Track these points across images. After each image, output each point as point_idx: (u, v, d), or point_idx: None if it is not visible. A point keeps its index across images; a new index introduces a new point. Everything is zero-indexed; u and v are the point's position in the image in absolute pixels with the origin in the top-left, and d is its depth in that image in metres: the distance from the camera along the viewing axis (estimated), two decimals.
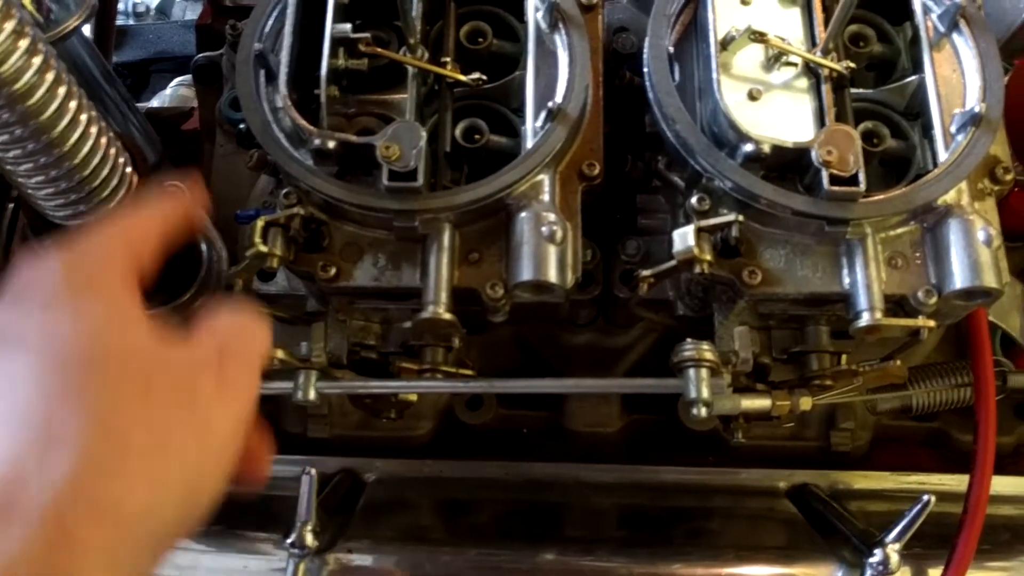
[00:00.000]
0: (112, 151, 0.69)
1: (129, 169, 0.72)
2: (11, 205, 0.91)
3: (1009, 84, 0.76)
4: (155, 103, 1.39)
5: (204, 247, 0.85)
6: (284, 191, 0.72)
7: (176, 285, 0.82)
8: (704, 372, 0.68)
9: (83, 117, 0.64)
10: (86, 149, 0.65)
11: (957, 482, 0.80)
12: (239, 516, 0.81)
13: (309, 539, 0.71)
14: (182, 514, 0.45)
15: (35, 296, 0.46)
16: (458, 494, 0.85)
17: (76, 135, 0.63)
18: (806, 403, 0.72)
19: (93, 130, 0.66)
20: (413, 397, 0.81)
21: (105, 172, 0.68)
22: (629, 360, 0.91)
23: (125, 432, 0.42)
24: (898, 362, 0.71)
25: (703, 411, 0.68)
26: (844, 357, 0.74)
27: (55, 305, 0.46)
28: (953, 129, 0.70)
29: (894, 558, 0.70)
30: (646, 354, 0.91)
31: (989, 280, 0.65)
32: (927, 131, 0.73)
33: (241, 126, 0.82)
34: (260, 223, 0.69)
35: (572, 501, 0.84)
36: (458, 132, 0.75)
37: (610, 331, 0.91)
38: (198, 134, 1.02)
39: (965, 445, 0.85)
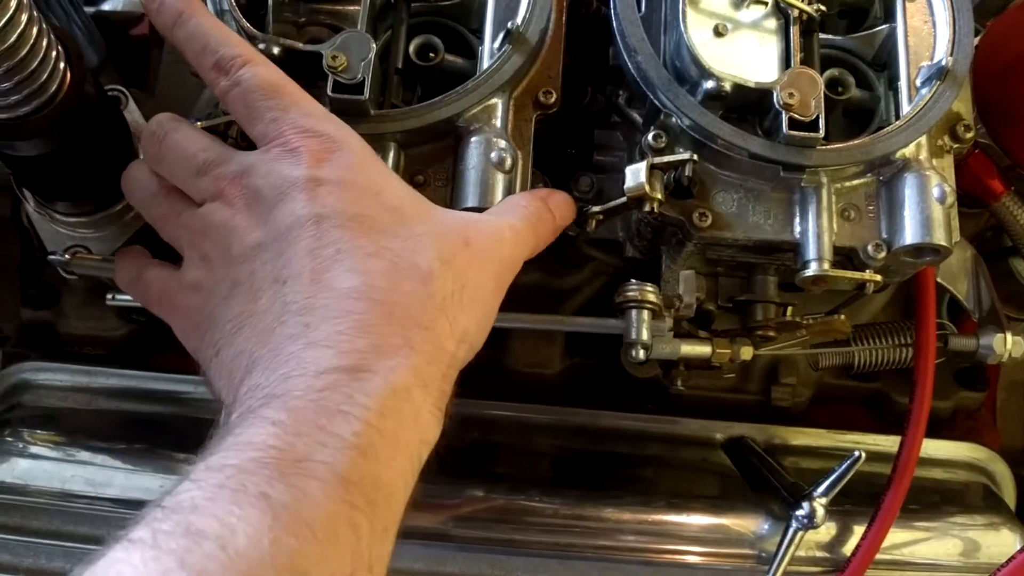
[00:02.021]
0: (43, 44, 0.65)
1: (63, 65, 0.68)
2: None
3: (979, 46, 0.74)
4: (107, 7, 1.34)
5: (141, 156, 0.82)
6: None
7: (108, 194, 0.79)
8: (645, 314, 0.67)
9: (12, 3, 0.60)
10: (13, 38, 0.61)
11: (892, 443, 0.79)
12: (162, 436, 0.79)
13: None
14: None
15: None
16: None
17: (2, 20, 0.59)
18: (747, 352, 0.71)
19: (23, 17, 0.62)
20: None
21: (34, 65, 0.64)
22: (576, 302, 0.90)
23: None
24: (842, 316, 0.70)
25: (641, 353, 0.67)
26: (789, 309, 0.73)
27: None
28: (918, 82, 0.68)
29: (820, 512, 0.70)
30: (594, 297, 0.90)
31: (939, 237, 0.64)
32: (893, 83, 0.71)
33: None
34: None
35: (506, 440, 0.83)
36: (412, 49, 0.72)
37: (559, 271, 0.89)
38: (147, 40, 0.98)
39: (904, 408, 0.85)
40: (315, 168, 0.54)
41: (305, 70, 0.67)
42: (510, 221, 0.60)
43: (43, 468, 0.76)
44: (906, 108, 0.69)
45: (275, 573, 0.39)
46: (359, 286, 0.50)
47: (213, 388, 0.54)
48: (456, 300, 0.53)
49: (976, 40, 0.72)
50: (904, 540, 0.76)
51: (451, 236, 0.55)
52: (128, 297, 0.70)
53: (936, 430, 0.86)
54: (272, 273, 0.51)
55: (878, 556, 0.73)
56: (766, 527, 0.75)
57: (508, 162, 0.65)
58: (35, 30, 0.63)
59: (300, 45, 0.66)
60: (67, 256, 0.75)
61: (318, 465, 0.43)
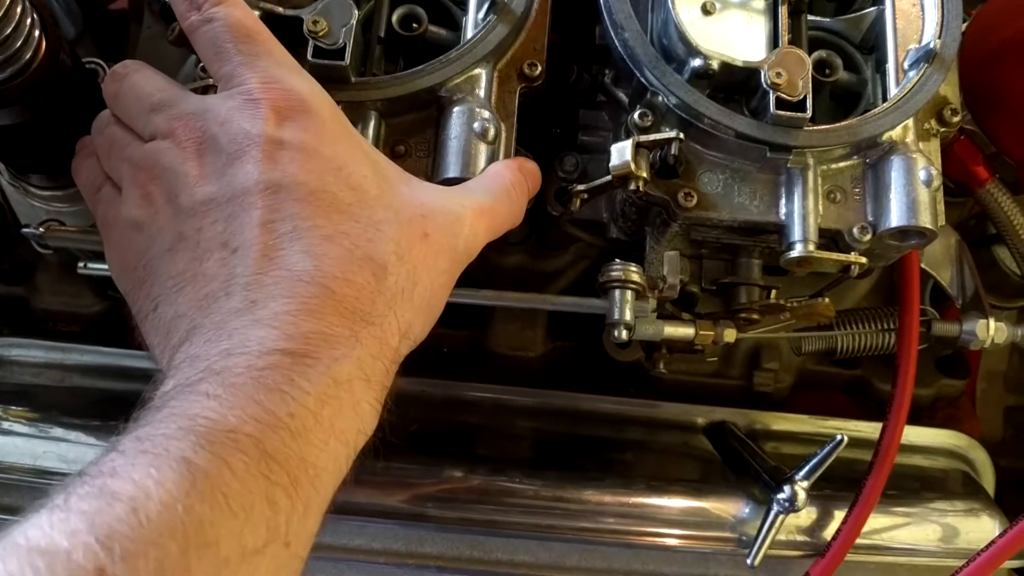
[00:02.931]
0: (17, 10, 0.63)
1: (38, 33, 0.66)
2: None
3: (966, 32, 0.74)
4: None
5: None
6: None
7: None
8: (629, 294, 0.66)
9: None
10: None
11: (873, 430, 0.79)
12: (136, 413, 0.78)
13: None
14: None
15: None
16: None
17: None
18: (730, 335, 0.70)
19: None
20: None
21: (8, 31, 0.63)
22: (560, 284, 0.89)
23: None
24: (826, 300, 0.70)
25: (624, 333, 0.66)
26: (773, 292, 0.72)
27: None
28: (906, 65, 0.68)
29: (801, 495, 0.70)
30: (577, 280, 0.89)
31: (924, 220, 0.64)
32: (880, 66, 0.71)
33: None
34: None
35: (487, 422, 0.82)
36: (395, 18, 0.70)
37: (542, 253, 0.88)
38: (125, 14, 0.96)
39: (885, 394, 0.85)
40: (277, 127, 0.51)
41: (285, 35, 0.65)
42: (478, 203, 0.59)
43: (15, 444, 0.75)
44: (893, 91, 0.68)
45: (184, 539, 0.38)
46: (311, 270, 0.49)
47: (147, 342, 0.53)
48: (406, 297, 0.52)
49: (963, 27, 0.72)
50: (884, 525, 0.76)
51: (410, 228, 0.54)
52: (101, 266, 0.69)
53: (917, 417, 0.86)
54: (222, 237, 0.50)
55: (858, 541, 0.73)
56: (747, 511, 0.74)
57: (491, 132, 0.64)
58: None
59: (280, 9, 0.65)
60: (41, 229, 0.73)
61: (245, 439, 0.42)
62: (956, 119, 0.69)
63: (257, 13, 0.64)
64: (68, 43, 0.70)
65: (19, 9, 0.62)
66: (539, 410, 0.83)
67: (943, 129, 0.69)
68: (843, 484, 0.77)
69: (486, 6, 0.66)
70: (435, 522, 0.72)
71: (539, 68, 0.69)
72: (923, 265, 0.79)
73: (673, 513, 0.75)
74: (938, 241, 0.81)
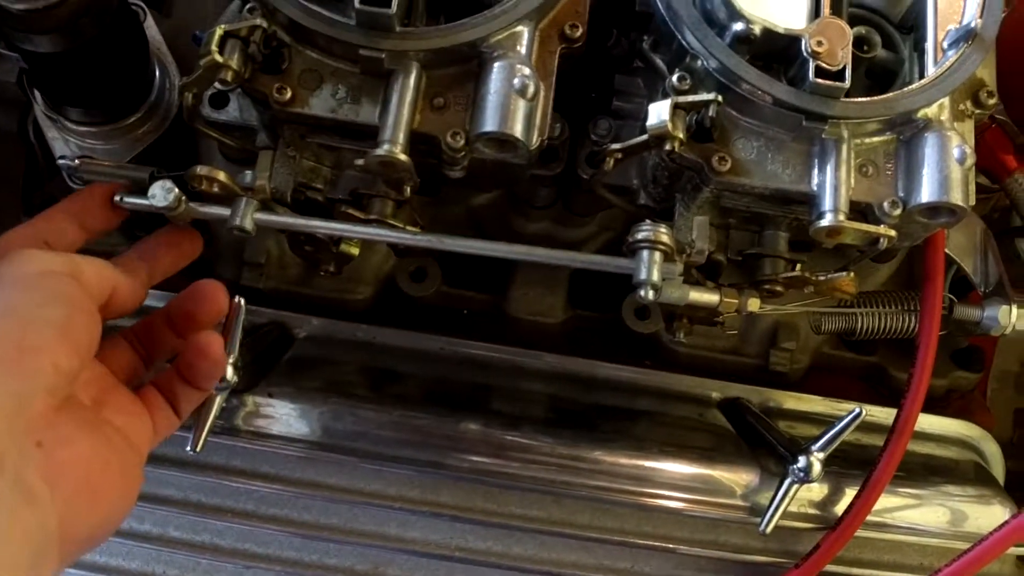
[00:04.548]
0: None
1: None
2: None
3: (1005, 21, 0.74)
4: None
5: (157, 72, 0.81)
6: (248, 5, 0.67)
7: (121, 106, 0.78)
8: (657, 255, 0.66)
9: None
10: None
11: (887, 415, 0.80)
12: None
13: (229, 372, 0.68)
14: None
15: None
16: (389, 362, 0.83)
17: None
18: (754, 304, 0.71)
19: None
20: (355, 251, 0.78)
21: None
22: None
23: None
24: (851, 274, 0.70)
25: (651, 293, 0.66)
26: (798, 266, 0.73)
27: None
28: (945, 44, 0.68)
29: (817, 466, 0.70)
30: (600, 251, 0.89)
31: (956, 197, 0.64)
32: (919, 45, 0.71)
33: None
34: (219, 31, 0.65)
35: (503, 383, 0.82)
36: None
37: (566, 221, 0.88)
38: None
39: (901, 383, 0.85)
40: None
41: None
42: None
43: None
44: (931, 71, 0.69)
45: None
46: None
47: None
48: None
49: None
50: (895, 504, 0.77)
51: None
52: (136, 200, 0.70)
53: (930, 407, 0.86)
54: None
55: (868, 517, 0.74)
56: (759, 481, 0.75)
57: (531, 89, 0.64)
58: None
59: None
60: (77, 161, 0.74)
61: None
62: (992, 101, 0.69)
63: None
64: None
65: None
66: (556, 374, 0.84)
67: (978, 111, 0.69)
68: (854, 464, 0.77)
69: None
70: (451, 471, 0.72)
71: (580, 30, 0.69)
72: (948, 251, 0.79)
73: (685, 478, 0.75)
74: (963, 230, 0.82)
